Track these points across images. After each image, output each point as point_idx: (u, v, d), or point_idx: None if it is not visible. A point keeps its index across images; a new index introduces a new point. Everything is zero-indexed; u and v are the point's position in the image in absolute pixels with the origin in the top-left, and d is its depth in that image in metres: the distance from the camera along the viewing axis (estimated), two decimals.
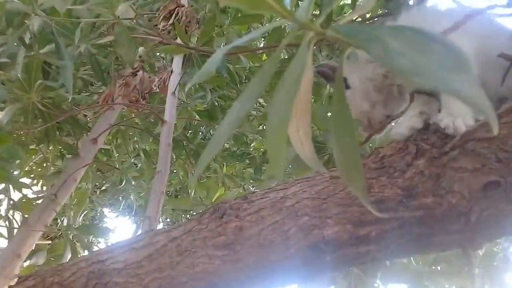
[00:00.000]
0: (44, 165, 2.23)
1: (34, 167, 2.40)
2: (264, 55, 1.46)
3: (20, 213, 1.78)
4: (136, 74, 1.66)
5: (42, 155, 2.14)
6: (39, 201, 1.81)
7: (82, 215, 2.32)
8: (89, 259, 0.87)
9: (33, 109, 1.51)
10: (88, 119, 2.07)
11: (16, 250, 1.65)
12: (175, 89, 1.49)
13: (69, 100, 1.50)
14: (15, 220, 1.77)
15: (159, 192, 1.30)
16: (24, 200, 1.85)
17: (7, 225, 1.70)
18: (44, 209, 1.75)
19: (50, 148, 2.10)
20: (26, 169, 2.31)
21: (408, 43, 0.31)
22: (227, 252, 0.79)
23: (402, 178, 0.72)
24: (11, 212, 1.77)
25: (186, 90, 1.88)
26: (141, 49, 1.67)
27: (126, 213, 5.67)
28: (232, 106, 0.45)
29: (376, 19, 1.39)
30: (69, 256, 1.76)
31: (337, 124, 0.43)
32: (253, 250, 0.78)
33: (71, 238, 1.78)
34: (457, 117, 0.71)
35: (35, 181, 2.45)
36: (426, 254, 0.77)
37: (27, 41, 1.04)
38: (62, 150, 2.10)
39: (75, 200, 2.15)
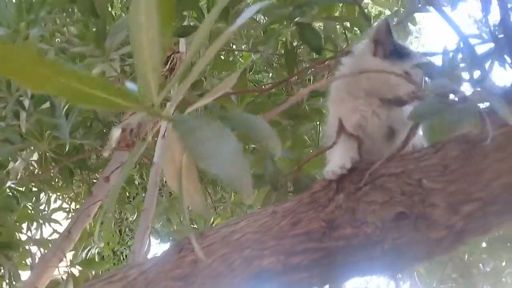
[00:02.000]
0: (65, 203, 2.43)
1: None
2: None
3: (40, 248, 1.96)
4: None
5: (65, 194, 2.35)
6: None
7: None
8: None
9: (45, 156, 1.69)
10: (98, 160, 2.25)
11: (34, 283, 1.83)
12: (164, 132, 1.64)
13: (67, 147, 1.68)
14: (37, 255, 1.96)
15: (145, 227, 1.43)
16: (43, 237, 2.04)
17: (30, 260, 1.88)
18: (59, 245, 1.92)
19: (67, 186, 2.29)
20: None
21: (209, 135, 0.42)
22: (183, 283, 0.90)
23: (324, 212, 0.82)
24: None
25: None
26: None
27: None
28: None
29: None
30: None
31: None
32: (206, 281, 0.88)
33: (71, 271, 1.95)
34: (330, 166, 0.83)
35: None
36: (357, 277, 0.84)
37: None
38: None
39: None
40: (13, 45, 0.97)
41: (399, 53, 0.93)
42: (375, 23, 0.97)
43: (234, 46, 2.05)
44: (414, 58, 0.93)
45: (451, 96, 0.62)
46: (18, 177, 1.71)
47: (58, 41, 1.91)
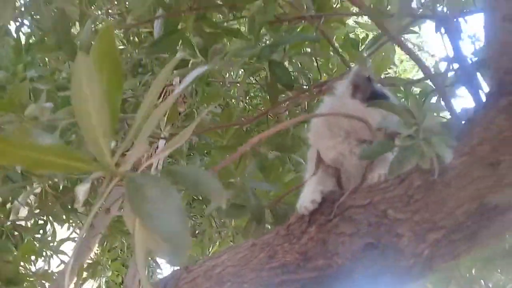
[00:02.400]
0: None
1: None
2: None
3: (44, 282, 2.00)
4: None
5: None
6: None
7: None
8: None
9: (45, 191, 1.74)
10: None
11: None
12: (157, 163, 1.69)
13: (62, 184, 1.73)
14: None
15: (141, 259, 1.45)
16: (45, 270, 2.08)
17: None
18: (62, 278, 1.96)
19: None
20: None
21: (155, 194, 0.46)
22: None
23: (299, 244, 0.85)
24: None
25: None
26: None
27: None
28: None
29: None
30: None
31: None
32: None
33: None
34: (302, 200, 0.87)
35: None
36: None
37: None
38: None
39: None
40: None
41: (376, 98, 0.95)
42: (354, 67, 1.00)
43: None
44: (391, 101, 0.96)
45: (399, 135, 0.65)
46: (20, 213, 1.76)
47: (61, 78, 1.99)
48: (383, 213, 0.78)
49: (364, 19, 2.32)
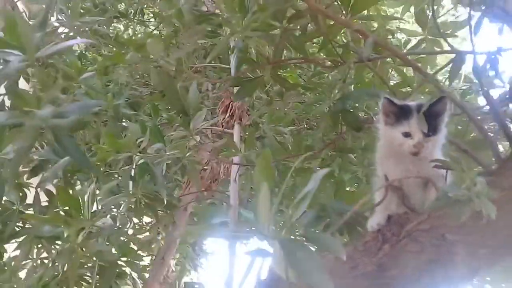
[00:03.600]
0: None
1: None
2: None
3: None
4: (206, 169, 2.18)
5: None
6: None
7: None
8: None
9: (139, 201, 2.08)
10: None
11: None
12: (236, 175, 1.96)
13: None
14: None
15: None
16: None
17: (133, 284, 2.29)
18: (156, 270, 2.33)
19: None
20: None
21: (301, 256, 0.74)
22: None
23: (376, 258, 1.11)
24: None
25: None
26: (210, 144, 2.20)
27: None
28: None
29: None
30: None
31: None
32: None
33: None
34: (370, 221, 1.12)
35: None
36: None
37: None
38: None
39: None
40: None
41: (400, 117, 1.17)
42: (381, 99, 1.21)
43: None
44: (414, 111, 1.16)
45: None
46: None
47: None
48: (442, 236, 1.03)
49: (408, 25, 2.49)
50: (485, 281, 2.41)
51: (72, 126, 1.07)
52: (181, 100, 1.37)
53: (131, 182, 1.65)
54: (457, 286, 1.08)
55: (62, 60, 1.65)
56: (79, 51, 2.79)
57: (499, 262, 1.05)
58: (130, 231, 2.97)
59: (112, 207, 2.12)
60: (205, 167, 2.22)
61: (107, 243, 1.80)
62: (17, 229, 2.17)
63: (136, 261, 1.95)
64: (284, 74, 2.06)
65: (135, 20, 3.39)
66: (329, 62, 1.38)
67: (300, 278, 0.72)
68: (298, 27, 1.40)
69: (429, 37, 2.05)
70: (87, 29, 2.62)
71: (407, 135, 1.16)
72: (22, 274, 1.94)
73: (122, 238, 1.82)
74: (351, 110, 1.34)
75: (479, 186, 0.84)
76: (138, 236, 2.76)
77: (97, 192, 1.90)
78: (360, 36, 1.32)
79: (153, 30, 3.18)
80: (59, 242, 1.59)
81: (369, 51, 1.14)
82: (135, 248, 2.50)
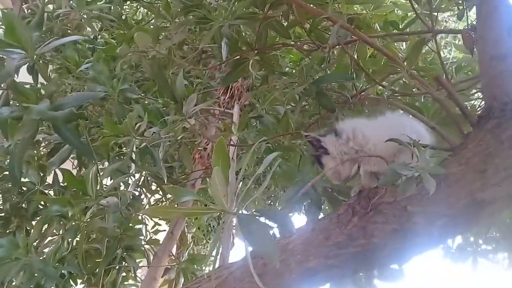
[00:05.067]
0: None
1: None
2: None
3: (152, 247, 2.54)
4: (206, 149, 2.29)
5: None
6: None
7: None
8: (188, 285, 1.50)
9: (146, 179, 2.22)
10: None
11: (153, 275, 2.42)
12: (233, 154, 2.06)
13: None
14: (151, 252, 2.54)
15: (228, 234, 1.90)
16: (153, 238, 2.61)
17: (146, 257, 2.46)
18: (166, 244, 2.49)
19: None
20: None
21: (253, 228, 0.84)
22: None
23: (346, 229, 1.21)
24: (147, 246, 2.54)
25: None
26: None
27: None
28: None
29: None
30: (182, 280, 2.50)
31: None
32: (272, 278, 1.32)
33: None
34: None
35: None
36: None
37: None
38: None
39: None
40: None
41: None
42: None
43: None
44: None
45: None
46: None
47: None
48: (404, 208, 1.12)
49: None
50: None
51: (67, 117, 1.18)
52: (170, 88, 1.47)
53: (133, 164, 1.78)
54: (421, 253, 1.17)
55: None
56: (92, 36, 2.90)
57: (457, 230, 1.13)
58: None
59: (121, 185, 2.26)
60: (205, 147, 2.34)
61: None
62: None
63: (140, 236, 2.09)
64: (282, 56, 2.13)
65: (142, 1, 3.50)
66: (305, 47, 1.45)
67: (252, 246, 0.83)
68: (281, 13, 1.47)
69: (424, 12, 2.09)
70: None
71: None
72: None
73: (122, 215, 1.95)
74: (324, 92, 1.41)
75: (422, 163, 0.92)
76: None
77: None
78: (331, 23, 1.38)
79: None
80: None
81: (335, 37, 1.20)
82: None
